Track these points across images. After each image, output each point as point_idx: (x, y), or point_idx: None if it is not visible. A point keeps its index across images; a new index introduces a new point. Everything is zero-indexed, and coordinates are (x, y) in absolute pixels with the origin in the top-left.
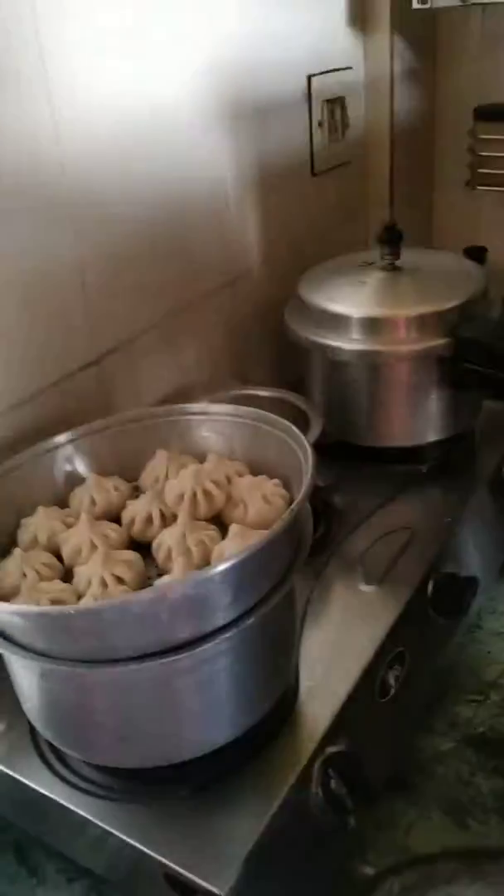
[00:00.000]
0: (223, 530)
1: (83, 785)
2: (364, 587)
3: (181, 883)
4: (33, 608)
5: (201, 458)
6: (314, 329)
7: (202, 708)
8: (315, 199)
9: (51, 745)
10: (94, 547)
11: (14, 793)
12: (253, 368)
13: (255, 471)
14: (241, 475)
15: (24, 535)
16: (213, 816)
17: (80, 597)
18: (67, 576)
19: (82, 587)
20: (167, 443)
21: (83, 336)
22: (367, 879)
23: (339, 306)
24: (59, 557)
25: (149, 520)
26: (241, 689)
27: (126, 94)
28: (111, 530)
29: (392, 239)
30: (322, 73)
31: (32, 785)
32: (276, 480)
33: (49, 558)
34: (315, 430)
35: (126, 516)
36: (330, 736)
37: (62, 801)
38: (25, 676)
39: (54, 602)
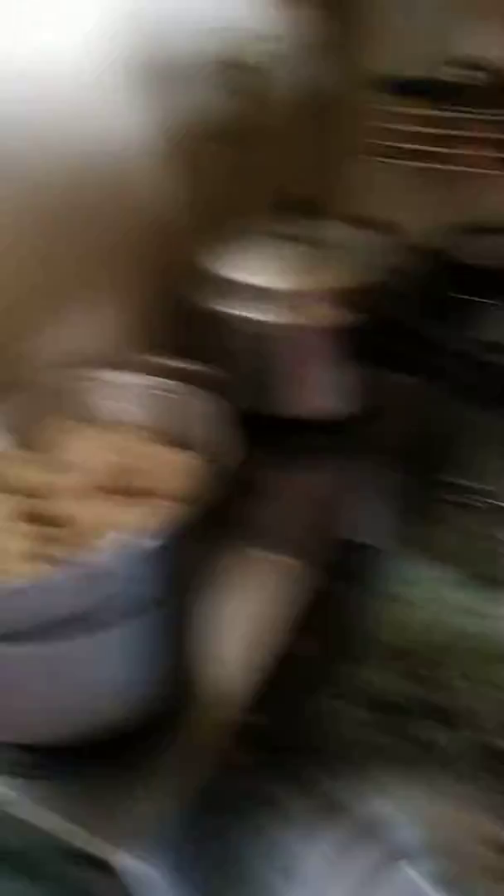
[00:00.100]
0: (135, 503)
1: None
2: (273, 557)
3: (88, 858)
4: None
5: (109, 429)
6: (219, 299)
7: (104, 683)
8: (223, 165)
9: None
10: None
11: None
12: (156, 338)
13: (166, 441)
14: (153, 446)
15: None
16: (121, 791)
17: None
18: None
19: None
20: (72, 411)
21: None
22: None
23: (244, 276)
24: None
25: (51, 491)
26: (146, 665)
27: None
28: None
29: (300, 210)
30: (237, 37)
31: None
32: (190, 452)
33: None
34: (223, 401)
35: (23, 487)
36: (241, 707)
37: None
38: None
39: None
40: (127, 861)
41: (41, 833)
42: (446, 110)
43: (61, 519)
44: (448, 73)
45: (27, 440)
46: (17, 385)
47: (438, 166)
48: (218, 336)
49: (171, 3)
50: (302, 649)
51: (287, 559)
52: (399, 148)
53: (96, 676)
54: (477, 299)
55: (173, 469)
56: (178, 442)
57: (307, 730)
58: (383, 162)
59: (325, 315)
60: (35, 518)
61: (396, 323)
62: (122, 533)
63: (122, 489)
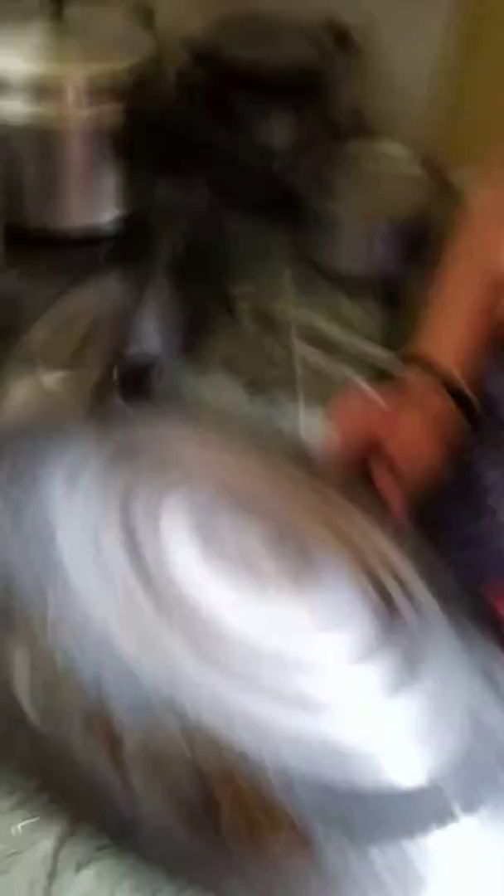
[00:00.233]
0: None
1: None
2: (47, 378)
3: None
4: None
5: None
6: None
7: None
8: None
9: None
10: None
11: None
12: None
13: None
14: None
15: None
16: None
17: None
18: None
19: None
20: None
21: None
22: None
23: None
24: None
25: None
26: None
27: None
28: None
29: None
30: None
31: None
32: None
33: None
34: None
35: None
36: None
37: None
38: None
39: None
40: None
41: None
42: None
43: None
44: None
45: None
46: None
47: None
48: None
49: None
50: None
51: (62, 378)
52: None
53: None
54: (246, 100)
55: None
56: None
57: None
58: None
59: (87, 107)
60: None
61: (158, 121)
62: None
63: None
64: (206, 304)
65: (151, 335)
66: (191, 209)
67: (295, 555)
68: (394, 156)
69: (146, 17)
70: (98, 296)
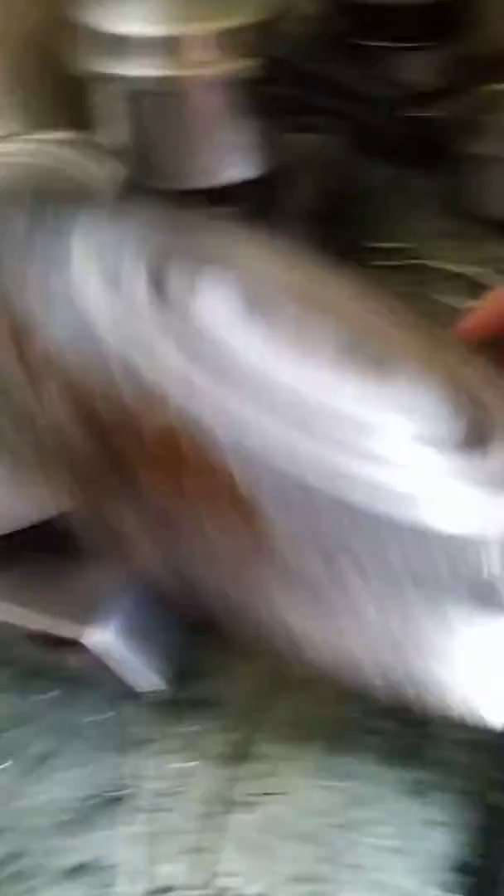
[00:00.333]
0: None
1: None
2: None
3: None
4: None
5: None
6: (98, 57)
7: None
8: None
9: None
10: None
11: None
12: (28, 109)
13: None
14: None
15: None
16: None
17: None
18: None
19: None
20: None
21: None
22: None
23: (124, 26)
24: None
25: None
26: None
27: None
28: None
29: None
30: None
31: None
32: None
33: None
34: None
35: None
36: None
37: None
38: None
39: None
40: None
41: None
42: None
43: None
44: None
45: None
46: None
47: None
48: (104, 101)
49: None
50: None
51: None
52: None
53: None
54: (386, 44)
55: None
56: None
57: None
58: None
59: (218, 63)
60: None
61: (297, 69)
62: None
63: None
64: (351, 257)
65: None
66: (328, 160)
67: (369, 359)
68: None
69: None
70: None
